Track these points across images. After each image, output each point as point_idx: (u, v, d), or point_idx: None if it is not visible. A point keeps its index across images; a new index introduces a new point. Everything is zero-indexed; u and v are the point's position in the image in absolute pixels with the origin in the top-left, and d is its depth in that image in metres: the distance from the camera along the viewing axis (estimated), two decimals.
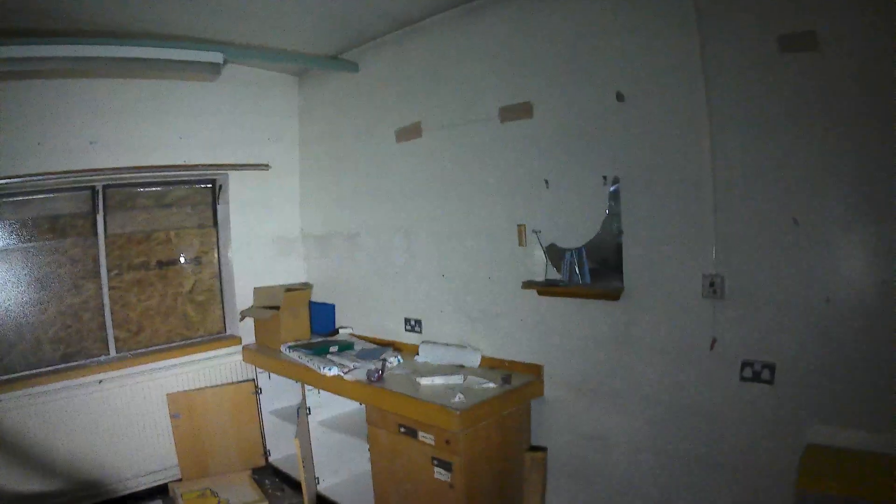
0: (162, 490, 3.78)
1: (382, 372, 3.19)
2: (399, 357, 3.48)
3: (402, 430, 2.94)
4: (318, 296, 4.39)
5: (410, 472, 2.94)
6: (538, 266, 3.07)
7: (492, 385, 2.96)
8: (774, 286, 2.36)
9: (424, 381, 3.03)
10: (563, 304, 2.99)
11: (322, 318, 4.24)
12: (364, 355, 3.52)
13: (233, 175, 4.12)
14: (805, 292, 2.28)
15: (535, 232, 3.06)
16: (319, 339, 3.98)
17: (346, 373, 3.25)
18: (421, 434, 2.85)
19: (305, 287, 4.29)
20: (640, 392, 2.77)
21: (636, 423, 2.80)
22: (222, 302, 4.30)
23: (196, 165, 3.91)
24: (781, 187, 2.31)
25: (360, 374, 3.21)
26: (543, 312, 3.08)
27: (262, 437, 4.14)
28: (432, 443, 2.80)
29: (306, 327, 4.10)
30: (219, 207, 4.20)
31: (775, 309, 2.36)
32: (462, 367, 3.31)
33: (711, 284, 2.49)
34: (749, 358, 2.43)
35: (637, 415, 2.79)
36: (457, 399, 2.79)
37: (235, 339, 4.20)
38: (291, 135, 4.43)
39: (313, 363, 3.44)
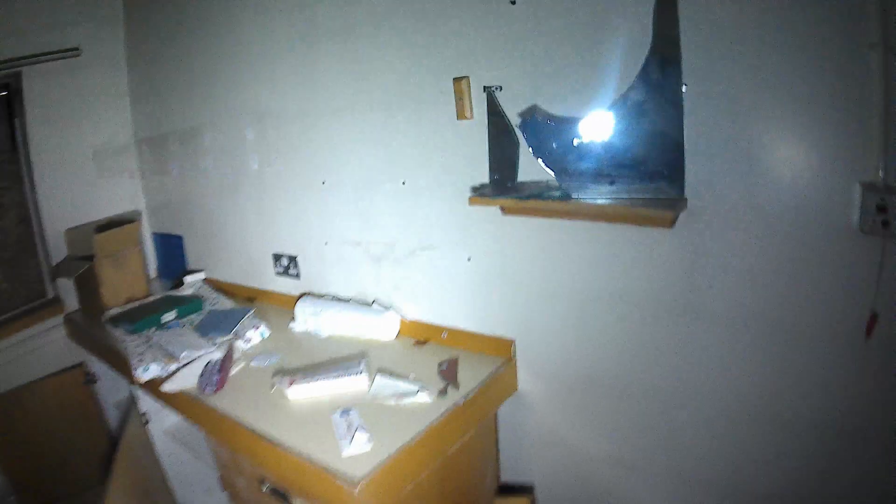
0: None
1: (224, 373, 1.71)
2: (263, 329, 1.99)
3: (267, 489, 1.52)
4: (161, 225, 2.83)
5: None
6: (502, 160, 1.53)
7: (422, 395, 1.49)
8: None
9: (296, 396, 1.55)
10: (555, 232, 1.51)
11: (171, 256, 2.73)
12: (209, 324, 2.04)
13: (31, 75, 2.62)
14: None
15: (489, 89, 1.49)
16: (159, 297, 2.47)
17: (171, 371, 1.77)
18: None
19: (131, 220, 2.68)
20: (709, 399, 1.40)
21: (704, 458, 1.45)
22: (37, 255, 2.78)
23: None
24: None
25: (193, 372, 1.75)
26: (514, 244, 1.60)
27: (110, 439, 2.78)
28: None
29: (141, 279, 2.57)
30: (16, 123, 2.62)
31: None
32: (369, 342, 1.84)
33: (880, 209, 1.08)
34: None
35: (706, 443, 1.44)
36: (353, 440, 1.34)
37: (59, 308, 2.74)
38: (113, 8, 2.79)
39: (129, 350, 1.96)
